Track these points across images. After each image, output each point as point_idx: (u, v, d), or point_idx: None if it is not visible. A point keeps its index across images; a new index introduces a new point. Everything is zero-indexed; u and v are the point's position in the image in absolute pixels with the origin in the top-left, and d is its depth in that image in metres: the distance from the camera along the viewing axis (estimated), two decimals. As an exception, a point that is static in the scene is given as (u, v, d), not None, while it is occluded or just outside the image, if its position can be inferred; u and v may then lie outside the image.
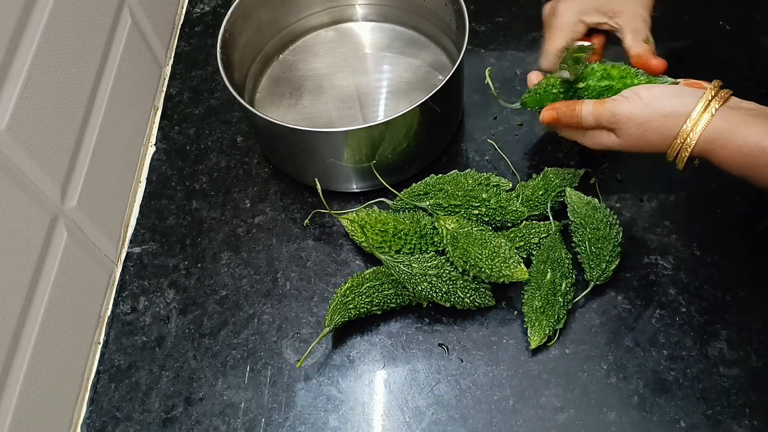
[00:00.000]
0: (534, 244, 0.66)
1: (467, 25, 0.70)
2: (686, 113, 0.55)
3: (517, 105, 0.68)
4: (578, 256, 0.66)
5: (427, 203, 0.68)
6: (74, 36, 0.66)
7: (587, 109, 0.60)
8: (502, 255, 0.62)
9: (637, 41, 0.63)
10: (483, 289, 0.64)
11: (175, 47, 0.91)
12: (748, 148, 0.53)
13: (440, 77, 0.81)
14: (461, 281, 0.63)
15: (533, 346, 0.62)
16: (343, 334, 0.66)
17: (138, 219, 0.76)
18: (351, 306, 0.63)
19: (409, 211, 0.69)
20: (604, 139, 0.61)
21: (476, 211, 0.67)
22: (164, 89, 0.87)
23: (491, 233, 0.65)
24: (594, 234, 0.65)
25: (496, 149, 0.77)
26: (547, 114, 0.64)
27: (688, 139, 0.55)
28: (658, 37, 0.85)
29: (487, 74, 0.67)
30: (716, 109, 0.55)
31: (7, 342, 0.54)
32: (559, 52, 0.65)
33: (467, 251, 0.62)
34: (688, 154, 0.56)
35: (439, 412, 0.61)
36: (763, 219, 0.69)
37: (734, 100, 0.56)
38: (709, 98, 0.55)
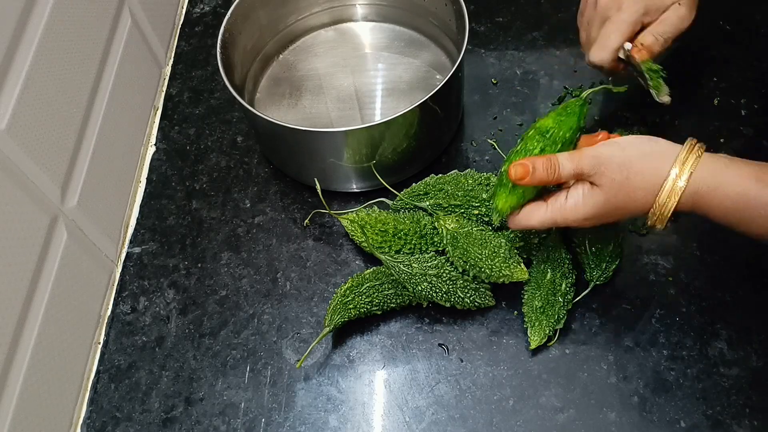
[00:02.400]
0: (534, 244, 0.66)
1: (467, 25, 0.70)
2: (673, 153, 0.52)
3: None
4: (578, 256, 0.66)
5: (427, 203, 0.68)
6: (74, 36, 0.66)
7: (564, 155, 0.55)
8: (502, 255, 0.62)
9: (650, 37, 0.62)
10: (483, 289, 0.64)
11: (175, 47, 0.91)
12: (741, 190, 0.50)
13: (440, 77, 0.81)
14: (461, 281, 0.63)
15: (533, 346, 0.62)
16: (343, 334, 0.66)
17: (138, 219, 0.76)
18: (351, 306, 0.63)
19: (409, 211, 0.69)
20: (581, 198, 0.55)
21: (476, 211, 0.66)
22: (164, 89, 0.87)
23: (491, 233, 0.64)
24: (594, 234, 0.65)
25: (496, 149, 0.77)
26: (519, 169, 0.55)
27: (679, 181, 0.51)
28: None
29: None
30: (702, 151, 0.52)
31: (7, 342, 0.54)
32: (618, 50, 0.62)
33: (467, 251, 0.62)
34: (677, 200, 0.51)
35: (439, 412, 0.61)
36: (763, 219, 0.69)
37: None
38: (693, 143, 0.52)
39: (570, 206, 0.56)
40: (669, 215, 0.52)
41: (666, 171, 0.52)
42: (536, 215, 0.57)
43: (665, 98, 0.60)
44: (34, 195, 0.59)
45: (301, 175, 0.75)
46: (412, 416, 0.61)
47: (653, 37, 0.62)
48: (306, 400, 0.63)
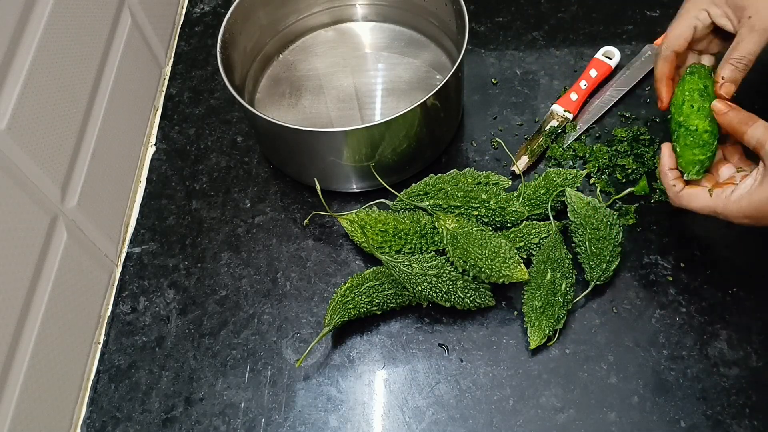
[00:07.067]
0: (534, 244, 0.66)
1: (467, 25, 0.70)
2: None
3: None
4: (578, 256, 0.66)
5: (427, 203, 0.68)
6: (74, 36, 0.66)
7: (761, 122, 0.55)
8: (502, 255, 0.62)
9: (729, 67, 0.59)
10: (483, 289, 0.64)
11: (175, 47, 0.91)
12: None
13: (440, 77, 0.81)
14: (461, 281, 0.63)
15: (533, 346, 0.62)
16: (343, 334, 0.66)
17: (138, 219, 0.76)
18: (351, 306, 0.63)
19: (409, 211, 0.69)
20: (745, 193, 0.55)
21: (476, 212, 0.67)
22: (164, 89, 0.87)
23: (491, 233, 0.64)
24: (594, 234, 0.65)
25: (502, 147, 0.77)
26: (719, 105, 0.58)
27: None
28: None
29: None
30: None
31: (7, 342, 0.54)
32: (679, 39, 0.62)
33: (467, 251, 0.62)
34: None
35: (439, 412, 0.61)
36: (763, 219, 0.69)
37: None
38: None
39: (734, 199, 0.56)
40: None
41: None
42: (699, 200, 0.59)
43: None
44: (34, 195, 0.59)
45: (301, 175, 0.75)
46: (412, 416, 0.61)
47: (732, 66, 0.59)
48: (306, 400, 0.63)
